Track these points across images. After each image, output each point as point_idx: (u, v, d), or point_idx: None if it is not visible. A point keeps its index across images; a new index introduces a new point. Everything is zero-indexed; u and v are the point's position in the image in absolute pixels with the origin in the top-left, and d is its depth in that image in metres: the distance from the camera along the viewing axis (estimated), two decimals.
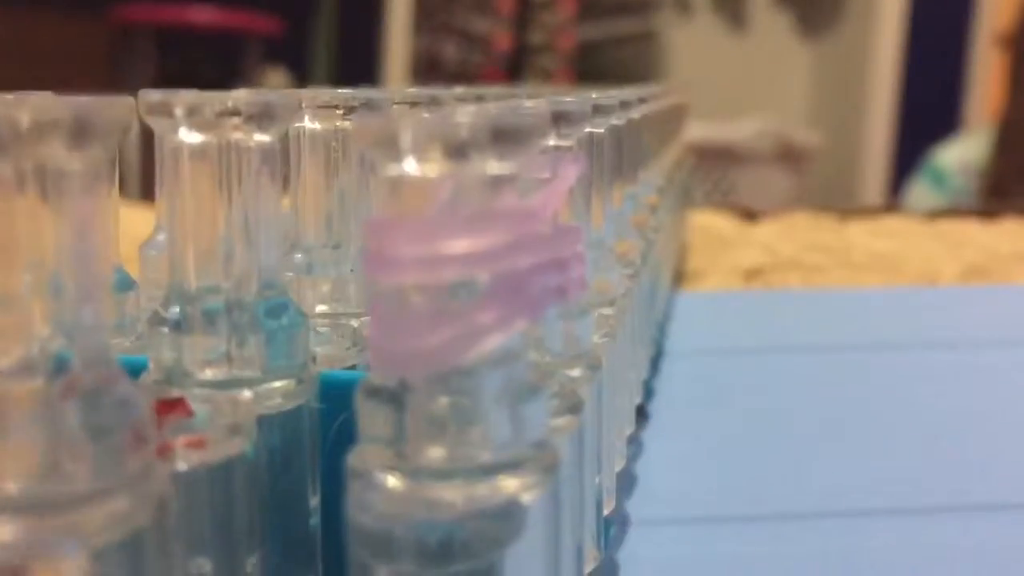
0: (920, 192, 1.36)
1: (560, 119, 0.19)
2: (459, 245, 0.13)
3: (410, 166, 0.13)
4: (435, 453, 0.14)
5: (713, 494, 0.30)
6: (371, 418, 0.14)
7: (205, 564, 0.16)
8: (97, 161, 0.13)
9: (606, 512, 0.23)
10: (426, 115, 0.13)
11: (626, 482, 0.30)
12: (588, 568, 0.20)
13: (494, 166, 0.13)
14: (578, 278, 0.16)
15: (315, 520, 0.20)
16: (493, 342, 0.13)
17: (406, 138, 0.13)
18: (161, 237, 0.25)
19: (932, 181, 1.34)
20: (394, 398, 0.14)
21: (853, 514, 0.29)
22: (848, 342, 0.46)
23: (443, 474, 0.14)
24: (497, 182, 0.13)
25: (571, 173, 0.16)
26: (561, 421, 0.17)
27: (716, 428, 0.36)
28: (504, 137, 0.13)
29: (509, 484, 0.14)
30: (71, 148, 0.12)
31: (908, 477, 0.31)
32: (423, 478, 0.14)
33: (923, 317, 0.51)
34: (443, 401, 0.14)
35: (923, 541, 0.27)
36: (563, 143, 0.19)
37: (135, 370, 0.18)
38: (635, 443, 0.33)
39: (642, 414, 0.35)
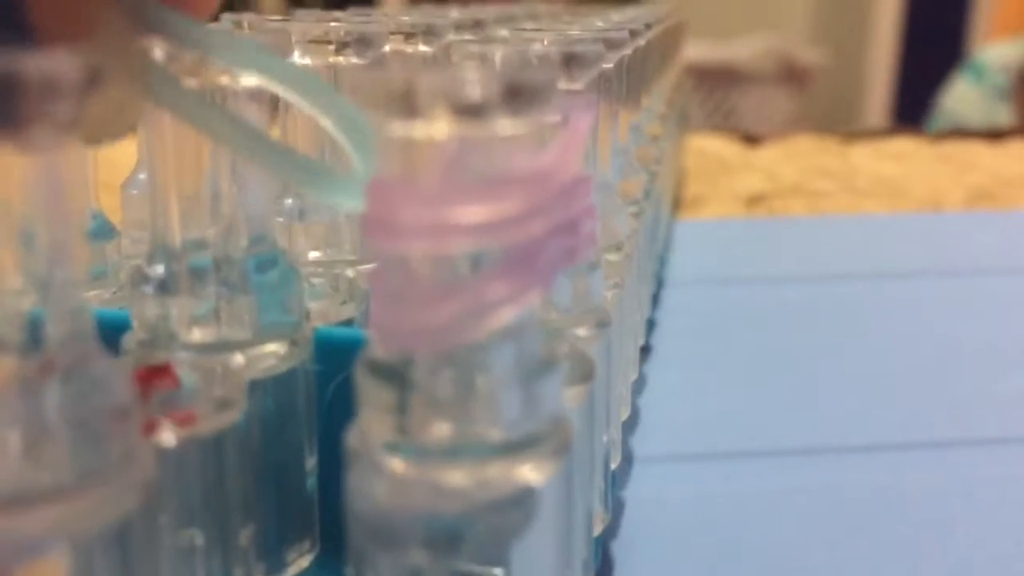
0: (960, 89, 1.34)
1: (572, 61, 0.17)
2: (471, 214, 0.12)
3: (418, 127, 0.12)
4: (441, 433, 0.13)
5: (716, 429, 0.29)
6: (372, 395, 0.13)
7: (197, 537, 0.16)
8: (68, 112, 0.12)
9: (613, 466, 0.22)
10: (434, 72, 0.12)
11: (629, 418, 0.29)
12: (597, 531, 0.20)
13: (506, 125, 0.12)
14: (589, 234, 0.15)
15: (312, 482, 0.19)
16: (505, 317, 0.12)
17: (413, 98, 0.12)
18: (142, 176, 0.24)
19: (973, 77, 1.32)
20: (398, 375, 0.13)
21: (856, 449, 0.28)
22: (852, 270, 0.45)
23: (450, 457, 0.13)
24: (509, 143, 0.12)
25: (584, 122, 0.14)
26: (572, 391, 0.16)
27: (718, 360, 0.35)
28: (517, 96, 0.12)
29: (521, 468, 0.13)
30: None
31: (912, 410, 0.31)
32: (428, 460, 0.13)
33: (929, 244, 0.50)
34: (450, 378, 0.13)
35: (927, 476, 0.27)
36: (574, 86, 0.18)
37: (117, 325, 0.17)
38: (637, 377, 0.32)
39: (644, 347, 0.35)
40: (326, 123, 0.15)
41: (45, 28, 0.13)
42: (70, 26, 0.14)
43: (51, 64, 0.11)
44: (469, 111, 0.12)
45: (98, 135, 0.15)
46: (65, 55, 0.11)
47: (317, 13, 0.33)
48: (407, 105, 0.12)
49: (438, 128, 0.12)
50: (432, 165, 0.12)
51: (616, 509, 0.24)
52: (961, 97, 1.32)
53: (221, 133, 0.14)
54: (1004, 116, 1.29)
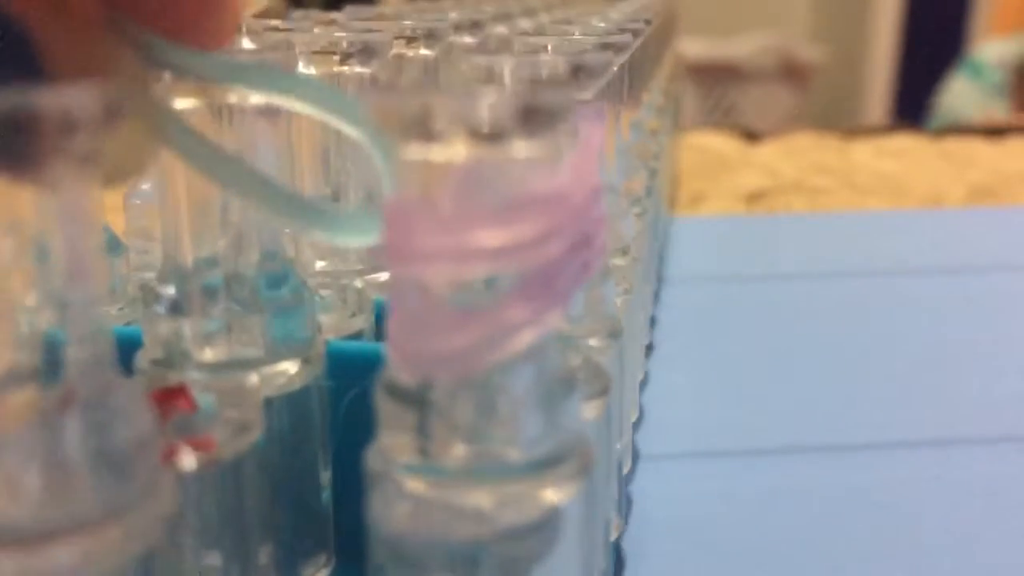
0: (958, 86, 1.35)
1: (580, 72, 0.17)
2: (489, 238, 0.12)
3: (434, 150, 0.12)
4: (462, 454, 0.13)
5: (717, 427, 0.30)
6: (392, 418, 0.13)
7: (215, 558, 0.16)
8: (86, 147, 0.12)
9: (624, 471, 0.22)
10: (450, 96, 0.12)
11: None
12: (612, 538, 0.20)
13: (523, 147, 0.12)
14: (600, 245, 0.14)
15: (327, 496, 0.19)
16: (525, 340, 0.12)
17: (430, 121, 0.12)
18: (146, 186, 0.24)
19: (971, 74, 1.33)
20: (418, 398, 0.13)
21: (857, 447, 0.28)
22: (853, 267, 0.45)
23: (471, 478, 0.13)
24: (526, 164, 0.12)
25: (597, 133, 0.14)
26: (589, 404, 0.16)
27: (720, 358, 0.35)
28: (534, 117, 0.12)
29: (544, 489, 0.13)
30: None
31: (913, 410, 0.31)
32: (450, 481, 0.13)
33: (929, 241, 0.50)
34: (470, 400, 0.13)
35: (927, 476, 0.27)
36: (583, 96, 0.18)
37: (128, 343, 0.17)
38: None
39: (647, 345, 0.35)
40: (356, 138, 0.15)
41: (58, 72, 0.13)
42: (83, 70, 0.13)
43: (67, 99, 0.11)
44: (486, 134, 0.12)
45: (112, 176, 0.15)
46: (81, 90, 0.11)
47: (316, 14, 0.33)
48: (423, 129, 0.12)
49: (455, 151, 0.12)
50: (449, 189, 0.12)
51: (624, 508, 0.24)
52: (959, 94, 1.33)
53: (229, 178, 0.14)
54: (1002, 112, 1.29)
